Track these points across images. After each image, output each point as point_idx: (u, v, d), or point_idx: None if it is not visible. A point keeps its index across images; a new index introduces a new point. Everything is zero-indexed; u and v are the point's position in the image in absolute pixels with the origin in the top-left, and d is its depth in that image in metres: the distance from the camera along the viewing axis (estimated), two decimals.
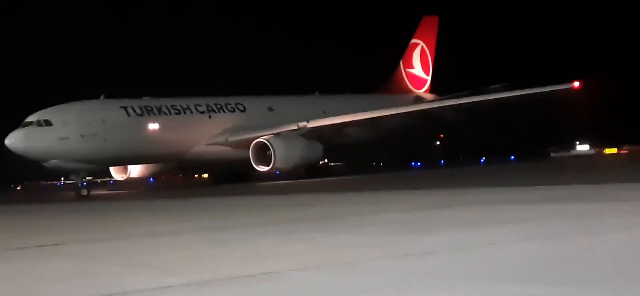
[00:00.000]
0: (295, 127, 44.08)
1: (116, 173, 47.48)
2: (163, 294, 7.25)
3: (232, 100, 47.35)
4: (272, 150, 41.63)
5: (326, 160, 49.60)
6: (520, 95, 47.18)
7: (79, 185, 39.72)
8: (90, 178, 43.43)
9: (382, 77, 60.10)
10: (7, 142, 38.53)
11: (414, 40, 58.99)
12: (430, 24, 59.46)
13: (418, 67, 58.46)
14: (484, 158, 72.71)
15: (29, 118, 38.86)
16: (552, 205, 14.89)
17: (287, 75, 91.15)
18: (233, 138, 43.85)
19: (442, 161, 71.48)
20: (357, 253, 9.48)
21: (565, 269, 7.38)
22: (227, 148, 43.99)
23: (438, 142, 76.41)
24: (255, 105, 48.49)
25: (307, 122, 44.38)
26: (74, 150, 39.09)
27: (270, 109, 48.42)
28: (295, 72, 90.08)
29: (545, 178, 27.38)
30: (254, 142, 42.57)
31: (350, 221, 14.38)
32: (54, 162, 39.46)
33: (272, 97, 51.28)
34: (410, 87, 58.17)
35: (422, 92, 58.15)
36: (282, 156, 41.86)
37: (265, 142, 42.07)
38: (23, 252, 12.07)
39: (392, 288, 6.81)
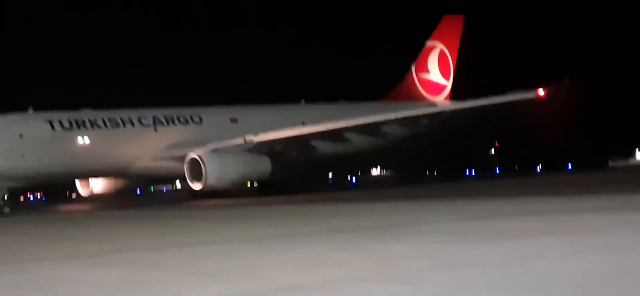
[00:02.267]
0: (241, 141, 41.33)
1: (81, 187, 45.52)
2: None
3: (188, 112, 44.39)
4: (203, 167, 39.05)
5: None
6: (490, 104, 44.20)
7: (1, 203, 37.69)
8: (9, 196, 39.46)
9: (392, 84, 55.21)
10: None
11: (430, 42, 53.82)
12: (452, 24, 54.30)
13: (435, 71, 53.50)
14: (539, 166, 71.92)
15: None
16: (614, 216, 14.65)
17: (276, 83, 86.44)
18: (178, 153, 41.09)
19: (497, 169, 70.87)
20: (414, 263, 9.43)
21: (628, 283, 7.26)
22: (175, 164, 41.05)
23: (492, 150, 75.70)
24: (215, 116, 45.25)
25: (255, 134, 41.49)
26: None
27: (234, 121, 44.94)
28: (284, 79, 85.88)
29: (606, 188, 26.92)
30: (188, 158, 39.92)
31: (406, 230, 14.31)
32: None
33: (240, 107, 47.64)
34: (424, 93, 53.28)
35: (440, 99, 53.37)
36: (216, 173, 39.16)
37: (196, 158, 39.43)
38: (81, 259, 12.27)
39: None
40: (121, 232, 19.57)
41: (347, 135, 43.80)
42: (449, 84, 54.03)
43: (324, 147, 44.18)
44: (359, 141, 44.57)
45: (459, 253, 10.25)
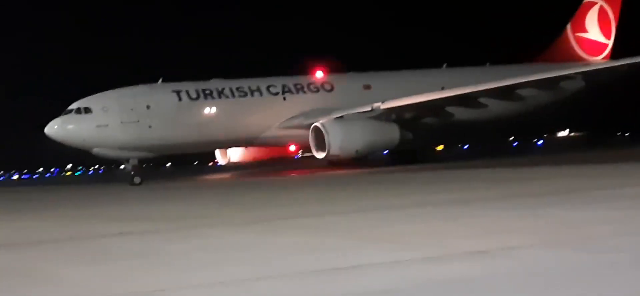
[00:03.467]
0: (369, 108, 40.11)
1: (219, 156, 46.16)
2: (393, 269, 7.33)
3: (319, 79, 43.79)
4: (325, 136, 38.25)
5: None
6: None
7: (132, 173, 38.79)
8: (144, 165, 41.50)
9: (544, 45, 52.67)
10: (46, 130, 38.08)
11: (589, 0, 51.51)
12: None
13: (594, 30, 50.84)
14: None
15: (71, 106, 38.35)
16: None
17: (419, 48, 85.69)
18: (307, 122, 40.27)
19: None
20: (599, 230, 9.14)
21: None
22: (303, 133, 40.23)
23: None
24: (347, 83, 44.46)
25: (383, 101, 40.20)
26: (114, 138, 38.09)
27: (367, 87, 43.92)
28: (428, 43, 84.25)
29: None
30: (312, 127, 39.23)
31: (590, 195, 13.87)
32: (96, 150, 38.76)
33: (374, 73, 46.49)
34: (582, 53, 50.62)
35: (599, 58, 50.57)
36: (339, 142, 38.23)
37: (319, 126, 38.72)
38: (255, 226, 12.62)
39: (634, 267, 6.50)
40: (289, 197, 20.08)
41: (483, 99, 41.53)
42: (610, 43, 51.28)
43: (460, 113, 42.26)
44: (496, 106, 42.20)
45: None
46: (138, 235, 12.30)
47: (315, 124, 38.97)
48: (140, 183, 37.25)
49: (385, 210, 13.70)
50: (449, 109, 41.89)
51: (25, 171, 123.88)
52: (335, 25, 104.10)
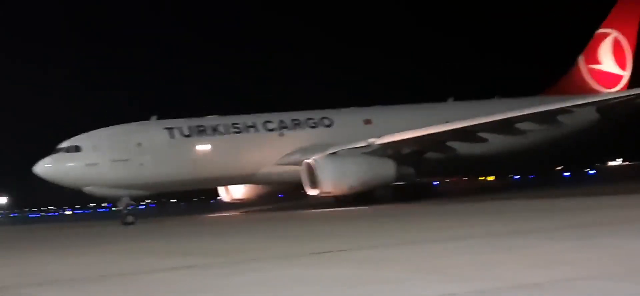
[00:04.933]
0: (364, 144, 39.43)
1: (223, 193, 45.79)
2: None
3: (318, 114, 43.02)
4: (317, 172, 37.63)
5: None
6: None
7: (124, 211, 38.20)
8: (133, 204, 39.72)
9: (556, 78, 51.57)
10: (35, 169, 38.09)
11: (602, 30, 50.04)
12: (629, 9, 50.29)
13: (608, 61, 49.61)
14: None
15: (61, 145, 38.28)
16: None
17: (427, 82, 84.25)
18: (304, 158, 39.29)
19: None
20: None
21: None
22: (299, 169, 39.13)
23: None
24: (347, 118, 43.67)
25: (379, 136, 39.51)
26: (104, 177, 37.87)
27: (368, 122, 43.09)
28: (435, 77, 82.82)
29: None
30: (304, 163, 38.61)
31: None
32: (87, 189, 38.58)
33: (375, 107, 45.77)
34: (595, 85, 49.32)
35: (615, 90, 48.82)
36: (331, 178, 37.63)
37: (311, 162, 38.11)
38: (311, 258, 12.77)
39: None
40: (332, 231, 20.13)
41: (483, 134, 40.40)
42: (626, 74, 49.96)
43: (463, 148, 41.21)
44: (497, 141, 41.05)
45: None
46: (191, 269, 12.46)
47: (307, 160, 38.47)
48: (133, 223, 36.61)
49: (434, 242, 13.78)
50: (451, 144, 40.98)
51: (77, 207, 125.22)
52: (338, 59, 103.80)
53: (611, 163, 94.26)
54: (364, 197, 39.26)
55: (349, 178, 38.16)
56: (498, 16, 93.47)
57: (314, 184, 38.02)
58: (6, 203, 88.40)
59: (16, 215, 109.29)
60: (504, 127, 40.07)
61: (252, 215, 37.67)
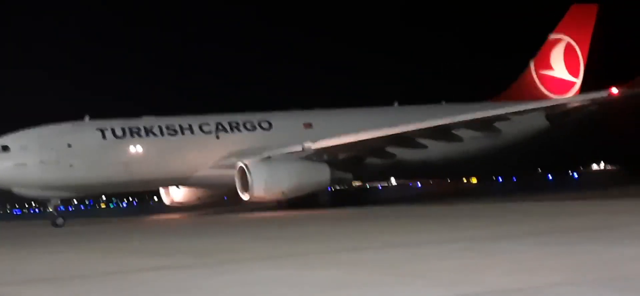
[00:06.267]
0: (299, 148, 38.91)
1: (164, 195, 44.85)
2: None
3: (256, 117, 42.36)
4: (249, 176, 37.04)
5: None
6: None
7: (54, 213, 37.54)
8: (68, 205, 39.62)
9: (507, 84, 51.10)
10: None
11: (554, 36, 49.74)
12: (583, 15, 50.00)
13: (560, 67, 49.34)
14: None
15: None
16: None
17: (373, 85, 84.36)
18: (237, 162, 38.79)
19: None
20: (636, 267, 9.18)
21: None
22: (233, 173, 38.58)
23: None
24: (286, 121, 43.01)
25: (314, 141, 38.85)
26: (34, 178, 37.07)
27: (308, 126, 42.35)
28: (380, 80, 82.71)
29: None
30: (237, 167, 38.09)
31: (630, 231, 13.89)
32: (16, 190, 37.93)
33: (316, 111, 45.32)
34: (546, 92, 48.96)
35: (566, 97, 48.74)
36: (263, 183, 37.09)
37: (243, 166, 37.59)
38: (288, 260, 12.78)
39: None
40: (302, 234, 20.06)
41: (422, 140, 39.75)
42: (578, 81, 49.69)
43: (404, 154, 40.70)
44: (436, 147, 40.50)
45: None
46: (173, 269, 12.47)
47: (239, 164, 37.94)
48: (63, 225, 36.13)
49: (415, 246, 13.76)
50: (391, 149, 40.47)
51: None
52: (285, 58, 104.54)
53: (595, 167, 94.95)
54: (305, 201, 38.83)
55: (281, 183, 37.60)
56: (456, 18, 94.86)
57: (246, 188, 37.45)
58: None
59: None
60: (441, 133, 39.43)
61: (202, 218, 36.85)
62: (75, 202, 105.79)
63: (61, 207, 39.13)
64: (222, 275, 11.15)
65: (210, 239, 20.26)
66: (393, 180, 65.84)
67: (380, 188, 73.90)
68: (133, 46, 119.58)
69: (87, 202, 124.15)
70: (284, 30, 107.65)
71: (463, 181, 67.88)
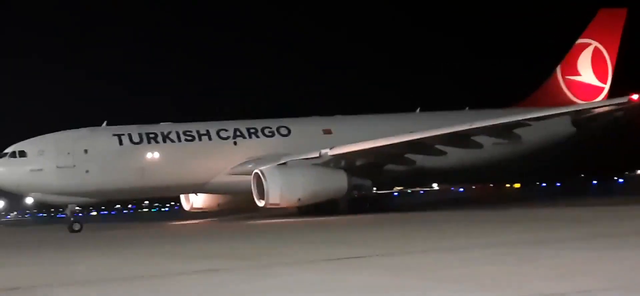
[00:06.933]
0: (316, 155, 38.31)
1: (183, 201, 44.74)
2: None
3: (275, 123, 41.96)
4: (264, 183, 36.50)
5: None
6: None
7: (71, 219, 37.49)
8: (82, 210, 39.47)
9: (532, 89, 50.09)
10: None
11: (582, 40, 48.78)
12: (611, 19, 48.96)
13: (588, 73, 48.46)
14: None
15: (7, 149, 37.54)
16: None
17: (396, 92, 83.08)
18: (258, 168, 38.20)
19: None
20: None
21: None
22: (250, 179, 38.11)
23: None
24: (306, 127, 42.43)
25: (331, 147, 38.32)
26: (49, 183, 37.12)
27: (328, 132, 41.98)
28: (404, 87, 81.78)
29: None
30: (253, 173, 37.60)
31: None
32: (33, 195, 38.27)
33: (336, 117, 44.79)
34: (572, 97, 48.05)
35: (586, 103, 47.34)
36: (278, 189, 36.47)
37: (259, 173, 37.09)
38: (328, 264, 12.81)
39: None
40: (339, 238, 20.06)
41: (440, 147, 38.80)
42: (606, 86, 48.66)
43: (425, 160, 39.97)
44: (456, 153, 39.52)
45: None
46: (218, 272, 12.53)
47: (255, 170, 37.56)
48: (79, 230, 36.22)
49: (458, 251, 13.75)
50: (410, 156, 39.79)
51: (129, 206, 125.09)
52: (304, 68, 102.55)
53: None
54: (324, 208, 38.32)
55: (297, 190, 37.07)
56: (483, 23, 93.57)
57: (262, 195, 36.97)
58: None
59: None
60: (460, 139, 38.53)
61: (227, 224, 36.47)
62: (118, 207, 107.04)
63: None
64: (265, 279, 11.20)
65: (246, 243, 20.35)
66: (435, 185, 65.47)
67: (422, 193, 73.42)
68: (153, 53, 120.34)
69: (129, 207, 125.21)
70: (309, 36, 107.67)
71: (505, 186, 67.38)
